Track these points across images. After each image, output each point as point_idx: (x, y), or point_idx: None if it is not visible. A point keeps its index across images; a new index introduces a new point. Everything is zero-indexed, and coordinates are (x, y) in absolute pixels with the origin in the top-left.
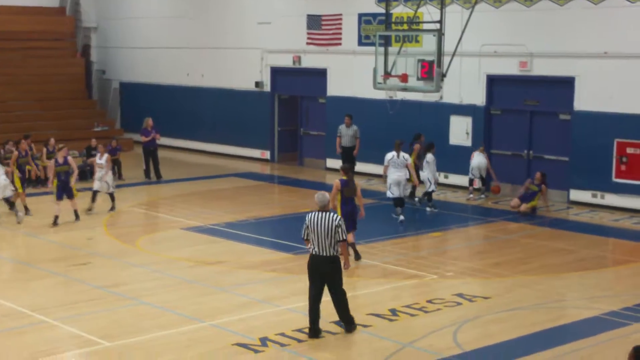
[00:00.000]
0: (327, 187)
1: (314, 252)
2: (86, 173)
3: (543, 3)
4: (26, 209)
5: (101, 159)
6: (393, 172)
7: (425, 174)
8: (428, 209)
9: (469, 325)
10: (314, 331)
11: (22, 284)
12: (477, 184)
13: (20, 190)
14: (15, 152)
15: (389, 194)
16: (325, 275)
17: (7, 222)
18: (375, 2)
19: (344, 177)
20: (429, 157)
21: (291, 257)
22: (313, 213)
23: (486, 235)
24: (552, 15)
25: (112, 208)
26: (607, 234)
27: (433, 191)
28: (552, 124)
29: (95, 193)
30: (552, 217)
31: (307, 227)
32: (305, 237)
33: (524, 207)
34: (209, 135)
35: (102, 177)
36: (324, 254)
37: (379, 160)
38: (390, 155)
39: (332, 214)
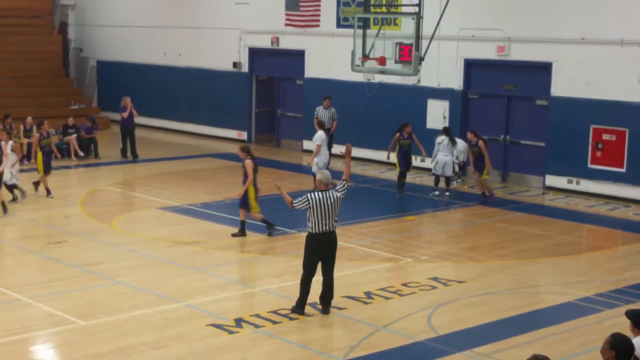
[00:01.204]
0: (304, 169)
1: (317, 231)
2: (63, 151)
3: None
4: (48, 191)
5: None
6: (325, 151)
7: (448, 158)
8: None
9: (443, 309)
10: (304, 308)
11: None
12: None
13: (42, 174)
14: (37, 134)
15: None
16: (328, 251)
17: None
18: None
19: (249, 157)
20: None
21: (267, 238)
22: (316, 193)
23: (462, 219)
24: (530, 0)
25: (14, 199)
26: (582, 220)
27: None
28: (529, 109)
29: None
30: (527, 203)
31: (310, 207)
32: (296, 207)
33: (480, 184)
34: (185, 115)
35: (13, 165)
36: (330, 230)
37: (356, 143)
38: (323, 135)
39: (332, 191)
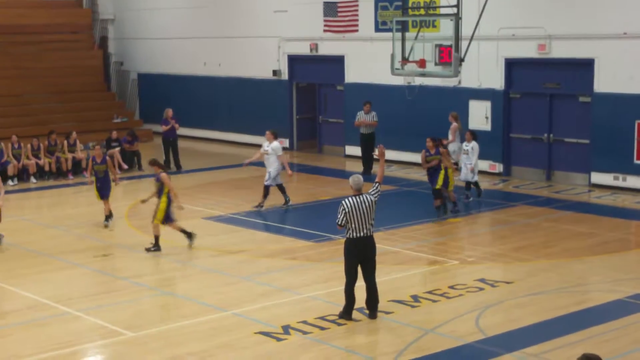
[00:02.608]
0: (346, 174)
1: (354, 236)
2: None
3: None
4: (106, 217)
5: None
6: (277, 162)
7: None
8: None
9: (491, 310)
10: (351, 314)
11: (45, 276)
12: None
13: (98, 199)
14: (91, 161)
15: (277, 181)
16: (366, 255)
17: (30, 214)
18: None
19: (162, 170)
20: (475, 145)
21: (311, 245)
22: (350, 198)
23: (507, 219)
24: None
25: None
26: (630, 217)
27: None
28: (572, 107)
29: None
30: (573, 201)
31: (347, 213)
32: (341, 223)
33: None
34: (227, 124)
35: None
36: (367, 234)
37: (398, 146)
38: (280, 145)
39: (366, 195)
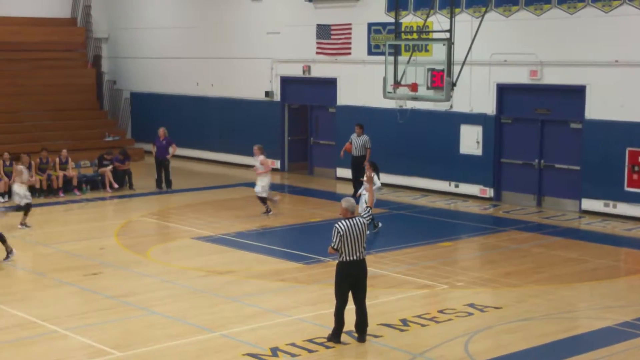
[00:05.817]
0: (337, 197)
1: (348, 259)
2: (97, 183)
3: (553, 12)
4: None
5: None
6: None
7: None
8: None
9: (480, 335)
10: (340, 337)
11: (33, 294)
12: None
13: None
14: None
15: None
16: (358, 279)
17: (20, 232)
18: (384, 12)
19: None
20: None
21: (301, 266)
22: (345, 221)
23: (497, 244)
24: (562, 23)
25: None
26: (620, 244)
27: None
28: (563, 133)
29: None
30: (563, 227)
31: (342, 236)
32: (336, 247)
33: None
34: (219, 144)
35: None
36: (360, 257)
37: (389, 170)
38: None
39: (358, 218)
